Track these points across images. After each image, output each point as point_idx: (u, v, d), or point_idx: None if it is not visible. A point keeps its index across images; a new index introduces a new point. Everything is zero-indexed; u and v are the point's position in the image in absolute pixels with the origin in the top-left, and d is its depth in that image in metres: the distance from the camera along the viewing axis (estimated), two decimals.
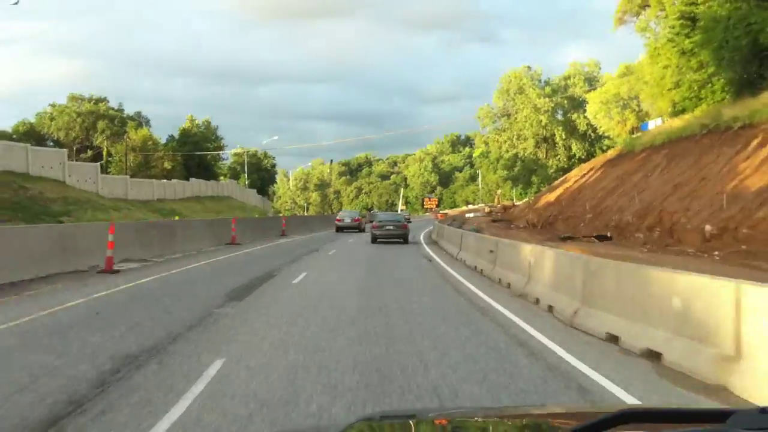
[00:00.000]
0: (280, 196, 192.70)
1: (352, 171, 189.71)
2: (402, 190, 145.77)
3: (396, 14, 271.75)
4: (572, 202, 31.57)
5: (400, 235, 25.37)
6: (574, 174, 54.47)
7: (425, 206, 69.86)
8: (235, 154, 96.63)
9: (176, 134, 66.17)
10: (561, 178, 56.29)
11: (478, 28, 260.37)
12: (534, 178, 68.80)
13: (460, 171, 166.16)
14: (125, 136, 51.41)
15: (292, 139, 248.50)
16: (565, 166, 64.51)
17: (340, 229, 37.49)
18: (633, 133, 55.11)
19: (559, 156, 64.69)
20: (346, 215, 41.50)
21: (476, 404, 4.72)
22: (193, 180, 58.31)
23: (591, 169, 42.59)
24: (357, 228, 37.88)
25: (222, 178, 75.56)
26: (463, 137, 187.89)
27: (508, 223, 43.21)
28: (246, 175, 74.48)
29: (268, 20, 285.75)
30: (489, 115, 69.50)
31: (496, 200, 75.37)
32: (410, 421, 1.78)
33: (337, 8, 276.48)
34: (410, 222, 36.42)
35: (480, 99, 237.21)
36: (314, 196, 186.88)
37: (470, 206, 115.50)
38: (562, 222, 28.40)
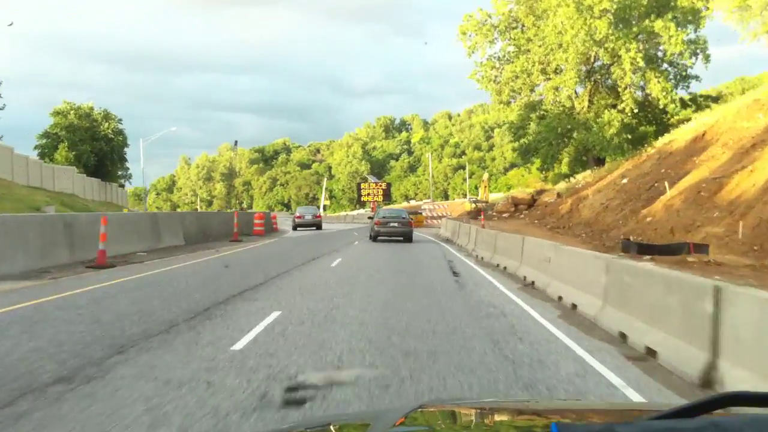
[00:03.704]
0: (180, 187, 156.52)
1: (267, 159, 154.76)
2: (325, 181, 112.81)
3: (323, 5, 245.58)
4: None
5: (403, 233, 23.44)
6: (704, 127, 23.14)
7: (363, 198, 37.47)
8: (57, 113, 60.49)
9: None
10: (685, 136, 24.65)
11: (407, 22, 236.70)
12: (563, 149, 37.25)
13: (396, 159, 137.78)
14: None
15: (214, 130, 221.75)
16: (630, 122, 33.05)
17: (297, 227, 36.35)
18: None
19: (625, 104, 32.87)
20: (306, 212, 39.52)
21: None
22: None
23: None
24: (316, 226, 37.11)
25: None
26: (398, 121, 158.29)
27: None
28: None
29: (193, 6, 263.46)
30: (482, 30, 36.94)
31: (482, 192, 43.64)
32: (467, 409, 1.75)
33: None
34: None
35: (409, 93, 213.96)
36: (219, 188, 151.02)
37: (412, 202, 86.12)
38: None
